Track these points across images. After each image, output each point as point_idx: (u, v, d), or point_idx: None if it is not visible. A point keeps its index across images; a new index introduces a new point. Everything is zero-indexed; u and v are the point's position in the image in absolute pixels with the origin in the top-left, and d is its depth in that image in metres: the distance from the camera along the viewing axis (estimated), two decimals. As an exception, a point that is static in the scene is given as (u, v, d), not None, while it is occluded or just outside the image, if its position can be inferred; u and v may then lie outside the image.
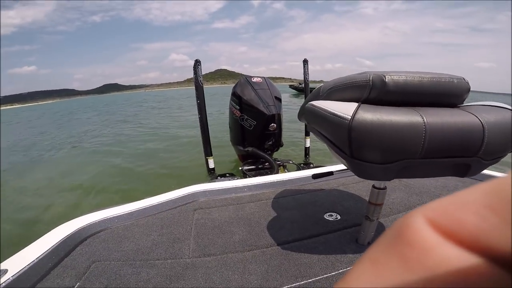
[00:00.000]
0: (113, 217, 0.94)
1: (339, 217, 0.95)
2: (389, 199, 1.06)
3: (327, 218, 0.95)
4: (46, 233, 0.82)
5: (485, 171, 1.14)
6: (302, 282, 0.67)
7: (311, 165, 2.21)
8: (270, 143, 2.00)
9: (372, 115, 0.47)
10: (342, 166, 1.35)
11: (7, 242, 1.79)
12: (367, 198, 1.08)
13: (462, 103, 0.56)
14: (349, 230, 0.88)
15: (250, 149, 1.99)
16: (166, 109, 12.97)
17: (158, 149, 4.36)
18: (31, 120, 14.73)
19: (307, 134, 2.29)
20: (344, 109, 0.50)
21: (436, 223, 0.06)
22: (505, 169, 1.74)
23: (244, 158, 2.11)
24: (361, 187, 1.20)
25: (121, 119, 9.37)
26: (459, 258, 0.06)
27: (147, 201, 1.03)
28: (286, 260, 0.75)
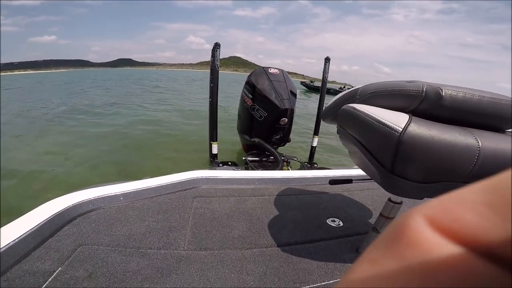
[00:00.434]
0: (106, 196, 0.88)
1: (341, 224, 0.92)
2: None
3: (329, 223, 0.92)
4: (32, 209, 0.75)
5: None
6: None
7: (315, 165, 2.16)
8: (278, 137, 1.95)
9: (426, 130, 0.43)
10: (354, 172, 1.31)
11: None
12: (371, 207, 1.07)
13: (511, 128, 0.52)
14: (350, 238, 0.85)
15: (256, 140, 1.94)
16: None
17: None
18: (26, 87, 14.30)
19: (315, 133, 2.23)
20: (394, 119, 0.46)
21: (435, 222, 0.06)
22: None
23: (249, 148, 2.07)
24: (366, 195, 1.16)
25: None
26: (460, 257, 0.06)
27: (145, 182, 0.98)
28: (286, 263, 0.72)
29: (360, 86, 0.65)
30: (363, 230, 0.90)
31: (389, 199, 0.66)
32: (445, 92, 0.46)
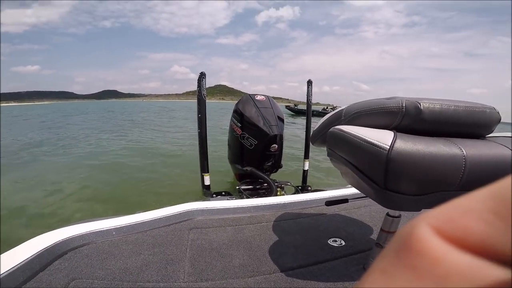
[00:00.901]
0: (98, 231, 0.86)
1: (343, 243, 0.91)
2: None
3: (331, 243, 0.91)
4: (22, 243, 0.74)
5: None
6: None
7: (309, 188, 2.16)
8: (269, 164, 1.95)
9: (412, 145, 0.45)
10: (348, 191, 1.32)
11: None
12: (370, 224, 1.07)
13: (490, 134, 0.55)
14: (355, 256, 0.85)
15: (248, 168, 1.93)
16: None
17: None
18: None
19: (306, 157, 2.25)
20: (381, 137, 0.48)
21: (442, 231, 0.06)
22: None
23: (241, 177, 2.05)
24: (364, 212, 1.17)
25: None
26: (469, 265, 0.06)
27: (138, 216, 0.96)
28: (292, 287, 0.70)
29: (344, 107, 0.67)
30: (366, 247, 0.89)
31: (388, 214, 0.67)
32: (423, 105, 0.48)
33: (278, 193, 1.84)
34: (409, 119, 0.50)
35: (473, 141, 0.48)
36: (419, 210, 0.49)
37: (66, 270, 0.70)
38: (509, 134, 0.56)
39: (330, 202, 0.87)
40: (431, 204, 0.48)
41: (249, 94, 2.06)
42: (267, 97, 2.08)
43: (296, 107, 22.93)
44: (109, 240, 0.86)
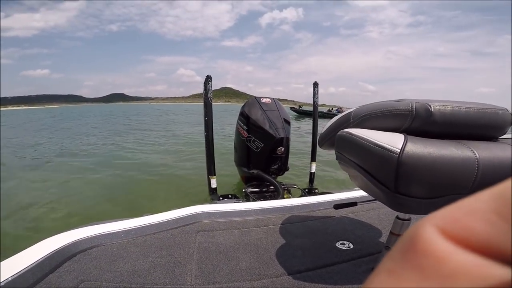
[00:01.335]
0: (107, 233, 0.88)
1: (352, 246, 0.91)
2: None
3: (339, 246, 0.90)
4: (31, 245, 0.76)
5: None
6: None
7: (316, 190, 2.14)
8: (275, 166, 1.94)
9: (423, 148, 0.44)
10: (357, 194, 1.30)
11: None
12: (379, 227, 1.06)
13: (502, 135, 0.54)
14: (364, 259, 0.84)
15: (255, 171, 1.93)
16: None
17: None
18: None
19: (313, 159, 2.24)
20: (391, 140, 0.47)
21: (447, 231, 0.07)
22: None
23: (248, 179, 2.05)
24: (372, 215, 1.15)
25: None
26: (473, 264, 0.06)
27: (146, 219, 0.98)
28: None
29: (352, 109, 0.66)
30: (375, 250, 0.88)
31: (397, 217, 0.66)
32: (434, 107, 0.47)
33: (285, 196, 1.83)
34: (419, 122, 0.49)
35: (486, 143, 0.47)
36: (429, 213, 0.48)
37: (75, 272, 0.71)
38: None
39: (339, 205, 0.86)
40: (442, 207, 0.47)
41: (255, 97, 2.06)
42: (273, 99, 2.08)
43: (300, 108, 22.77)
44: (118, 242, 0.87)
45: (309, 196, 1.64)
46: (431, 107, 0.47)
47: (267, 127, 1.84)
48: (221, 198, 1.86)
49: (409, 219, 0.65)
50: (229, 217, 1.08)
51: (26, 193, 2.92)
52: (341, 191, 1.42)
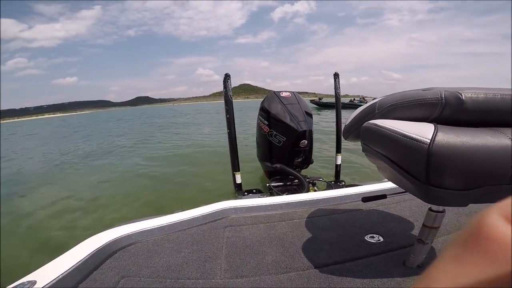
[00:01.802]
0: (143, 230, 0.93)
1: (382, 239, 0.88)
2: None
3: (368, 239, 0.88)
4: (76, 245, 0.82)
5: None
6: None
7: (343, 183, 2.10)
8: (299, 160, 1.93)
9: (455, 138, 0.42)
10: (385, 186, 1.26)
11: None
12: (410, 219, 1.03)
13: None
14: (395, 252, 0.81)
15: (278, 165, 1.93)
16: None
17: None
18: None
19: (338, 151, 2.19)
20: (420, 131, 0.45)
21: None
22: None
23: (271, 174, 2.06)
24: (403, 207, 1.11)
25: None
26: None
27: (177, 216, 1.02)
28: (326, 284, 0.69)
29: (377, 99, 0.64)
30: (406, 243, 0.85)
31: (430, 209, 0.63)
32: (465, 95, 0.45)
33: (310, 189, 1.82)
34: (449, 111, 0.47)
35: None
36: (466, 205, 0.46)
37: (117, 268, 0.77)
38: None
39: (367, 198, 0.84)
40: (480, 199, 0.45)
41: (274, 92, 2.05)
42: (293, 93, 2.05)
43: (320, 100, 22.23)
44: (153, 239, 0.92)
45: (336, 189, 1.61)
46: (462, 95, 0.45)
47: (288, 120, 1.83)
48: (246, 193, 1.88)
49: (443, 211, 0.62)
50: (254, 212, 1.10)
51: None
52: (369, 183, 1.38)
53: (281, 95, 2.00)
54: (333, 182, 2.10)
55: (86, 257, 0.75)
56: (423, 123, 0.49)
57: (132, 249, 0.86)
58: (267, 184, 1.94)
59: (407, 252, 0.76)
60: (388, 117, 0.57)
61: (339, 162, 2.20)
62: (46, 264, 0.71)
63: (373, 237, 0.90)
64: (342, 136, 1.23)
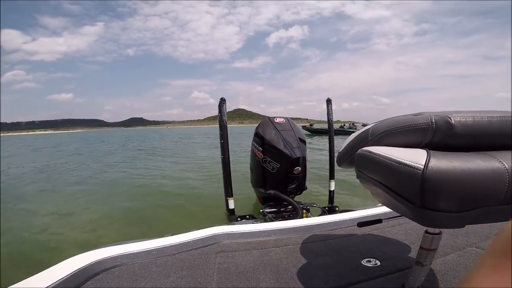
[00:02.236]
0: (129, 253, 0.90)
1: (379, 263, 0.87)
2: None
3: (365, 264, 0.87)
4: (57, 263, 0.79)
5: None
6: None
7: (337, 208, 2.08)
8: (293, 186, 1.92)
9: (447, 163, 0.43)
10: (380, 210, 1.26)
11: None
12: (407, 242, 1.02)
13: None
14: (393, 275, 0.80)
15: (272, 192, 1.91)
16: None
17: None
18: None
19: (331, 177, 2.20)
20: (413, 157, 0.46)
21: None
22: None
23: (265, 200, 2.03)
24: (398, 231, 1.11)
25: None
26: None
27: (166, 240, 0.99)
28: None
29: (369, 126, 0.66)
30: (404, 266, 0.84)
31: (426, 231, 0.63)
32: (454, 119, 0.46)
33: (304, 215, 1.80)
34: (440, 135, 0.48)
35: None
36: (463, 226, 0.47)
37: None
38: None
39: (362, 223, 0.84)
40: (476, 220, 0.46)
41: (268, 117, 2.09)
42: (287, 119, 2.10)
43: (312, 126, 22.44)
44: (139, 262, 0.88)
45: (330, 214, 1.60)
46: (451, 120, 0.46)
47: (282, 147, 1.84)
48: (239, 219, 1.84)
49: (439, 233, 0.62)
50: (248, 238, 1.07)
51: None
52: (363, 209, 1.38)
53: (275, 121, 2.03)
54: (327, 208, 2.08)
55: (66, 277, 0.72)
56: (416, 149, 0.50)
57: (116, 271, 0.82)
58: (261, 210, 1.91)
59: (405, 275, 0.74)
60: (381, 143, 0.59)
61: (332, 188, 2.21)
62: (24, 280, 0.69)
63: (370, 261, 0.89)
64: (335, 163, 1.25)
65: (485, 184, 0.42)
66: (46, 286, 0.66)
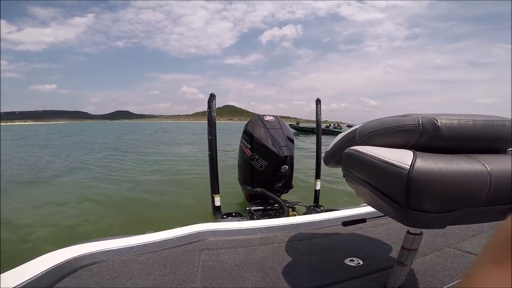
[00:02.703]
0: (109, 250, 0.87)
1: (361, 262, 0.89)
2: None
3: (348, 263, 0.88)
4: (31, 259, 0.75)
5: None
6: None
7: (322, 208, 2.11)
8: (280, 184, 1.93)
9: (433, 164, 0.44)
10: (364, 210, 1.29)
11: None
12: (388, 242, 1.05)
13: (511, 148, 0.54)
14: (375, 275, 0.82)
15: (259, 189, 1.91)
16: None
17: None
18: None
19: (317, 176, 2.23)
20: (400, 157, 0.47)
21: None
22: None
23: (252, 198, 2.03)
24: (381, 231, 1.14)
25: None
26: None
27: (149, 236, 0.97)
28: None
29: (357, 126, 0.67)
30: (385, 266, 0.86)
31: (408, 232, 0.65)
32: (441, 121, 0.47)
33: (290, 213, 1.81)
34: (426, 137, 0.49)
35: (496, 156, 0.48)
36: (444, 227, 0.48)
37: None
38: None
39: (347, 222, 0.85)
40: (457, 221, 0.47)
41: (258, 115, 2.08)
42: (276, 117, 2.10)
43: (298, 125, 22.50)
44: (120, 259, 0.85)
45: (315, 213, 1.61)
46: (438, 122, 0.47)
47: (270, 145, 1.85)
48: (225, 216, 1.83)
49: (420, 234, 0.64)
50: (233, 235, 1.06)
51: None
52: (347, 208, 1.41)
53: (265, 119, 2.02)
54: (312, 207, 2.11)
55: (41, 274, 0.68)
56: (402, 149, 0.51)
57: (95, 268, 0.79)
58: (248, 208, 1.90)
59: (386, 274, 0.76)
60: (368, 143, 0.59)
61: (318, 187, 2.23)
62: None
63: (353, 260, 0.90)
64: (322, 162, 1.26)
65: (468, 186, 0.43)
66: (16, 284, 0.63)
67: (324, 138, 2.32)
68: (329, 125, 23.11)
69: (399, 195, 0.46)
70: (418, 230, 0.63)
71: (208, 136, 1.80)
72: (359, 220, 0.83)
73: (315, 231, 1.14)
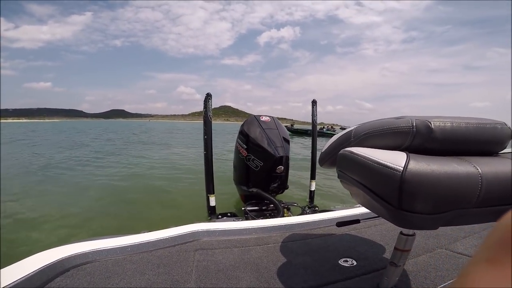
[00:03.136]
0: (102, 249, 0.86)
1: (355, 263, 0.89)
2: None
3: (342, 263, 0.89)
4: (23, 258, 0.74)
5: None
6: None
7: (316, 208, 2.12)
8: (275, 185, 1.93)
9: (426, 166, 0.45)
10: (358, 211, 1.30)
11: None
12: (382, 243, 1.06)
13: (502, 150, 0.55)
14: (368, 275, 0.83)
15: (254, 190, 1.92)
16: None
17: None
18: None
19: (312, 177, 2.23)
20: (393, 159, 0.48)
21: None
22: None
23: (247, 198, 2.03)
24: (374, 232, 1.15)
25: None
26: None
27: (142, 236, 0.96)
28: None
29: (352, 127, 0.67)
30: (379, 266, 0.87)
31: (401, 233, 0.65)
32: (434, 124, 0.48)
33: (285, 214, 1.81)
34: (420, 139, 0.50)
35: (487, 159, 0.48)
36: (436, 228, 0.49)
37: (67, 287, 0.69)
38: None
39: (341, 223, 0.86)
40: (449, 222, 0.48)
41: (254, 116, 2.08)
42: (272, 118, 2.10)
43: (292, 126, 22.50)
44: (113, 258, 0.85)
45: (310, 214, 1.62)
46: (431, 124, 0.48)
47: (266, 145, 1.85)
48: (220, 216, 1.83)
49: (413, 234, 0.65)
50: (228, 236, 1.06)
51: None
52: (342, 209, 1.43)
53: (261, 119, 2.03)
54: (307, 208, 2.11)
55: (33, 273, 0.67)
56: (396, 151, 0.51)
57: (88, 268, 0.78)
58: (243, 208, 1.90)
59: (380, 275, 0.77)
60: (363, 144, 0.60)
61: (313, 188, 2.24)
62: None
63: (346, 261, 0.91)
64: (317, 163, 1.26)
65: (459, 188, 0.44)
66: (7, 284, 0.62)
67: (317, 140, 2.33)
68: (323, 127, 23.25)
69: (392, 196, 0.47)
70: (410, 231, 0.64)
71: (204, 135, 1.79)
72: (353, 221, 0.84)
73: (309, 231, 1.15)
